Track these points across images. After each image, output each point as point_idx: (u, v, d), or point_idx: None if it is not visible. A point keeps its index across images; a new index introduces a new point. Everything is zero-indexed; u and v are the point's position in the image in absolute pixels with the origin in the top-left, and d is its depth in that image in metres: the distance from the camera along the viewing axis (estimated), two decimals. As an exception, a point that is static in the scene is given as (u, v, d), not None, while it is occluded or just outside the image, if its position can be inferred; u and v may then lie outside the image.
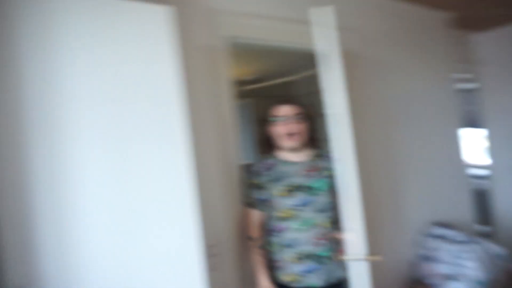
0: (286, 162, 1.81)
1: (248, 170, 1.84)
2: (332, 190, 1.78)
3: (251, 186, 1.82)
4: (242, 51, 3.71)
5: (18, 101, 1.30)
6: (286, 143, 1.78)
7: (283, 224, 1.74)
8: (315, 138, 1.86)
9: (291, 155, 1.82)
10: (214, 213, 1.82)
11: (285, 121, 1.76)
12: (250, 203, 1.82)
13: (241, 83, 5.40)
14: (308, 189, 1.74)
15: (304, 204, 1.73)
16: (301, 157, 1.83)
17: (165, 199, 1.52)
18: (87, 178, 1.40)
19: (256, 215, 1.81)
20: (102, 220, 1.41)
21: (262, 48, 2.29)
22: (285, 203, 1.74)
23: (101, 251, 1.39)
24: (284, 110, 1.79)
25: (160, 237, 1.49)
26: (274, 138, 1.82)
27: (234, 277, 1.89)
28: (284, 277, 1.77)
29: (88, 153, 1.40)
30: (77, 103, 1.38)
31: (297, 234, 1.72)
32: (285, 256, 1.75)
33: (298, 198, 1.73)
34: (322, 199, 1.76)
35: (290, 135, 1.76)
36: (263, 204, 1.79)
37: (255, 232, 1.80)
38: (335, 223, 1.76)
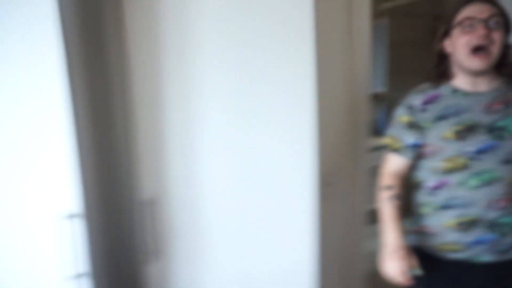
0: (460, 92, 1.21)
1: (404, 105, 1.28)
2: None
3: (401, 126, 1.28)
4: None
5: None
6: (471, 62, 1.13)
7: (448, 178, 1.20)
8: (507, 59, 1.19)
9: (470, 82, 1.20)
10: (334, 140, 1.65)
11: (473, 29, 1.12)
12: (396, 149, 1.29)
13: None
14: (490, 129, 1.16)
15: (483, 151, 1.16)
16: (484, 85, 1.20)
17: (282, 125, 1.44)
18: (211, 103, 1.40)
19: (399, 163, 1.30)
20: (222, 143, 1.43)
21: None
22: (454, 148, 1.18)
23: (218, 171, 1.43)
24: (475, 10, 1.12)
25: (273, 160, 1.45)
26: (448, 58, 1.22)
27: (348, 208, 1.80)
28: (438, 246, 1.27)
29: (213, 76, 1.38)
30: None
31: (468, 192, 1.17)
32: (444, 221, 1.23)
33: (475, 141, 1.17)
34: (511, 145, 1.17)
35: (478, 49, 1.12)
36: (414, 150, 1.27)
37: (393, 180, 1.30)
38: None
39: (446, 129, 1.20)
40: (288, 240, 1.50)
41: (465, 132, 1.18)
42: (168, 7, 1.31)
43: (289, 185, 1.47)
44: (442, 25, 1.22)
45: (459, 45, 1.16)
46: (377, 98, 3.77)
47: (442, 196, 1.23)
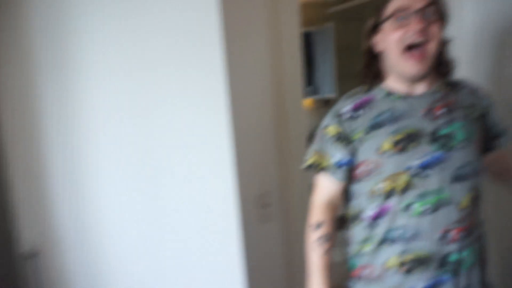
0: (395, 95, 0.98)
1: (332, 113, 1.03)
2: (475, 142, 0.97)
3: (328, 139, 1.02)
4: None
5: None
6: (404, 65, 0.92)
7: (389, 203, 0.94)
8: (444, 56, 0.98)
9: (405, 85, 0.98)
10: (265, 158, 1.43)
11: (407, 21, 0.90)
12: (324, 168, 1.03)
13: (321, 4, 4.78)
14: (434, 138, 0.93)
15: (429, 165, 0.92)
16: (422, 86, 0.98)
17: (195, 150, 1.21)
18: (104, 128, 1.15)
19: (331, 187, 1.04)
20: (122, 176, 1.19)
21: None
22: (394, 163, 0.93)
23: (121, 210, 1.17)
24: (410, 0, 0.90)
25: (189, 189, 1.23)
26: (379, 57, 1.00)
27: (290, 229, 1.60)
28: None
29: (105, 94, 1.14)
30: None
31: (413, 221, 0.92)
32: (386, 260, 0.97)
33: (419, 153, 0.93)
34: (461, 157, 0.94)
35: (413, 47, 0.91)
36: (346, 170, 1.01)
37: (323, 214, 1.03)
38: (480, 200, 0.99)
39: (383, 139, 0.95)
40: (214, 281, 1.27)
41: (406, 141, 0.93)
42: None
43: (210, 218, 1.25)
44: (372, 18, 1.01)
45: (390, 42, 0.93)
46: (327, 105, 3.71)
47: (383, 228, 0.96)
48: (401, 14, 0.90)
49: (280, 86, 1.40)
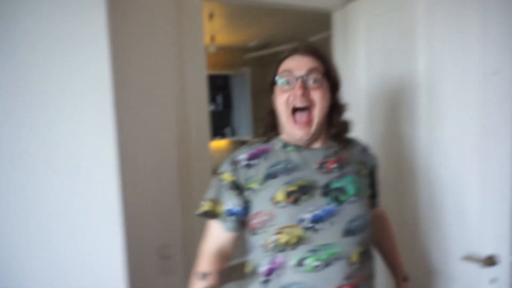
0: (291, 147, 0.99)
1: (228, 161, 1.01)
2: (365, 197, 1.00)
3: (223, 185, 0.98)
4: (240, 11, 3.28)
5: None
6: (292, 129, 0.95)
7: (281, 257, 0.91)
8: (336, 119, 1.01)
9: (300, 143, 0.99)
10: (168, 209, 1.34)
11: (291, 86, 0.93)
12: (216, 215, 0.99)
13: (240, 49, 5.02)
14: (326, 191, 0.94)
15: (321, 219, 0.92)
16: (316, 145, 1.01)
17: (83, 193, 1.09)
18: None
19: (221, 236, 1.00)
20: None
21: (262, 7, 1.69)
22: (287, 215, 0.92)
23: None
24: (294, 63, 0.94)
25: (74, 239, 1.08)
26: (276, 114, 1.01)
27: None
28: None
29: None
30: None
31: (306, 277, 0.89)
32: None
33: (311, 206, 0.92)
34: (352, 211, 0.94)
35: (299, 111, 0.94)
36: (238, 220, 0.98)
37: (210, 264, 0.98)
38: (368, 255, 0.99)
39: (276, 189, 0.93)
40: None
41: (299, 193, 0.92)
42: None
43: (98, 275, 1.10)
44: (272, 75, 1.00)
45: (279, 104, 0.95)
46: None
47: (276, 284, 0.91)
48: (286, 77, 0.93)
49: (185, 134, 1.35)
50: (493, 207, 1.12)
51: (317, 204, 0.91)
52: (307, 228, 0.90)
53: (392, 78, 1.44)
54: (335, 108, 0.99)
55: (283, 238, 0.89)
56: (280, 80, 0.94)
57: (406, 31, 1.36)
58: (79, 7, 1.05)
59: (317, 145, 1.00)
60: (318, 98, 0.92)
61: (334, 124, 1.00)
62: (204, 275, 0.95)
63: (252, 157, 0.98)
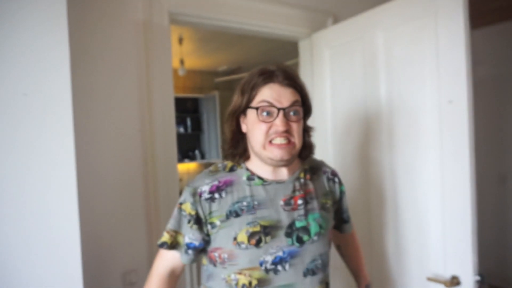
0: (258, 180, 0.95)
1: (190, 190, 0.94)
2: (328, 232, 0.99)
3: (183, 216, 0.94)
4: (210, 36, 3.33)
5: None
6: (270, 151, 0.90)
7: None
8: (307, 144, 1.01)
9: (269, 168, 0.95)
10: (133, 233, 1.29)
11: (271, 117, 0.90)
12: (173, 245, 0.94)
13: (210, 73, 5.07)
14: (290, 231, 0.92)
15: (283, 261, 0.90)
16: (285, 173, 0.97)
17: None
18: None
19: (175, 262, 0.96)
20: None
21: (231, 33, 1.71)
22: (248, 257, 0.90)
23: None
24: (274, 94, 0.91)
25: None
26: (247, 140, 0.97)
27: None
28: None
29: None
30: None
31: None
32: None
33: (272, 248, 0.90)
34: (313, 250, 0.94)
35: (282, 139, 0.91)
36: (196, 252, 0.95)
37: (160, 286, 0.95)
38: None
39: (239, 229, 0.90)
40: None
41: (261, 234, 0.89)
42: None
43: None
44: (237, 95, 0.97)
45: (255, 132, 0.91)
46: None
47: None
48: (267, 109, 0.89)
49: (151, 156, 1.33)
50: (454, 229, 1.16)
51: (279, 246, 0.90)
52: (268, 270, 0.89)
53: (357, 104, 1.49)
54: (305, 131, 0.99)
55: (243, 280, 0.89)
56: (261, 112, 0.90)
57: (367, 61, 1.43)
58: (41, 17, 1.02)
59: (284, 176, 0.95)
60: (297, 128, 0.91)
61: (305, 147, 0.99)
62: None
63: (216, 189, 0.93)
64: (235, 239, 0.89)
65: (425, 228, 1.25)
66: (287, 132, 0.90)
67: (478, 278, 1.11)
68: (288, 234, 0.91)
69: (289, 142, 0.90)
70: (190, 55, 3.91)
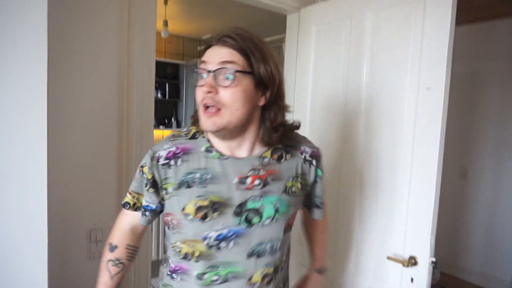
0: (214, 153, 0.89)
1: (150, 153, 0.92)
2: (286, 218, 0.92)
3: (143, 178, 0.92)
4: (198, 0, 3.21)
5: None
6: (202, 118, 0.83)
7: (184, 264, 0.91)
8: (269, 122, 0.88)
9: (223, 144, 0.88)
10: (102, 192, 1.27)
11: (204, 79, 0.82)
12: (134, 206, 0.97)
13: (193, 40, 4.92)
14: (239, 211, 0.87)
15: (227, 239, 0.88)
16: (244, 150, 0.89)
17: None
18: None
19: (134, 221, 0.98)
20: None
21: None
22: (193, 229, 0.89)
23: None
24: (210, 54, 0.82)
25: None
26: None
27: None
28: None
29: None
30: None
31: None
32: None
33: (218, 225, 0.87)
34: (262, 234, 0.89)
35: (206, 107, 0.82)
36: (153, 214, 0.96)
37: (120, 239, 0.98)
38: (275, 276, 0.95)
39: (188, 201, 0.87)
40: None
41: (209, 209, 0.86)
42: None
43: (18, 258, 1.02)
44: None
45: (196, 97, 0.84)
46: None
47: (177, 284, 0.92)
48: (201, 71, 0.81)
49: (127, 119, 1.29)
50: (417, 212, 1.21)
51: (225, 223, 0.86)
52: (210, 246, 0.87)
53: (338, 83, 1.50)
54: (267, 109, 0.86)
55: (186, 249, 0.89)
56: (196, 73, 0.83)
57: (353, 41, 1.42)
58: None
59: (243, 153, 0.88)
60: (228, 98, 0.79)
61: (265, 128, 0.87)
62: (113, 248, 0.95)
63: (172, 156, 0.89)
64: (183, 209, 0.87)
65: (390, 209, 1.30)
66: (212, 99, 0.79)
67: (433, 259, 1.18)
68: (237, 214, 0.86)
69: (216, 110, 0.79)
70: (174, 18, 3.77)
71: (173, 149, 0.89)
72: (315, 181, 0.97)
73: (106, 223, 1.28)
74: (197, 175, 0.87)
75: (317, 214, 1.05)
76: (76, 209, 1.18)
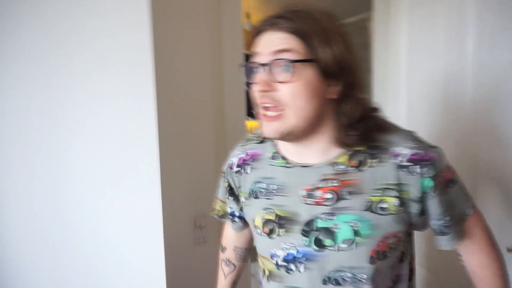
0: (281, 160, 0.76)
1: (228, 159, 0.88)
2: (373, 242, 0.69)
3: (223, 187, 0.90)
4: None
5: None
6: (261, 125, 0.70)
7: (264, 282, 0.82)
8: (346, 122, 0.68)
9: (290, 148, 0.75)
10: (203, 182, 1.35)
11: (258, 73, 0.67)
12: (221, 215, 0.95)
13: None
14: (308, 229, 0.72)
15: (296, 261, 0.73)
16: (315, 155, 0.72)
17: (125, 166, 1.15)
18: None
19: (231, 231, 0.98)
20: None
21: None
22: (263, 244, 0.79)
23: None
24: (261, 44, 0.67)
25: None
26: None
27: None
28: None
29: None
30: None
31: None
32: None
33: (285, 243, 0.74)
34: (339, 260, 0.70)
35: (265, 109, 0.68)
36: (242, 221, 0.91)
37: (227, 241, 0.99)
38: None
39: (256, 213, 0.78)
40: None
41: (275, 224, 0.74)
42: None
43: (137, 242, 1.16)
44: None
45: (252, 94, 0.71)
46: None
47: None
48: (251, 65, 0.68)
49: (222, 113, 1.37)
50: None
51: (293, 243, 0.73)
52: (279, 266, 0.75)
53: (438, 66, 1.32)
54: (341, 103, 0.67)
55: (260, 265, 0.83)
56: (246, 68, 0.70)
57: (453, 11, 1.25)
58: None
59: (314, 159, 0.72)
60: (289, 96, 0.64)
61: (341, 126, 0.68)
62: (223, 249, 1.00)
63: (242, 163, 0.82)
64: (253, 221, 0.80)
65: None
66: (270, 98, 0.65)
67: None
68: (305, 233, 0.71)
69: (278, 114, 0.65)
70: (256, 9, 3.82)
71: (243, 155, 0.83)
72: (425, 196, 0.69)
73: (208, 211, 1.38)
74: (264, 185, 0.77)
75: (444, 243, 0.77)
76: (184, 197, 1.28)
